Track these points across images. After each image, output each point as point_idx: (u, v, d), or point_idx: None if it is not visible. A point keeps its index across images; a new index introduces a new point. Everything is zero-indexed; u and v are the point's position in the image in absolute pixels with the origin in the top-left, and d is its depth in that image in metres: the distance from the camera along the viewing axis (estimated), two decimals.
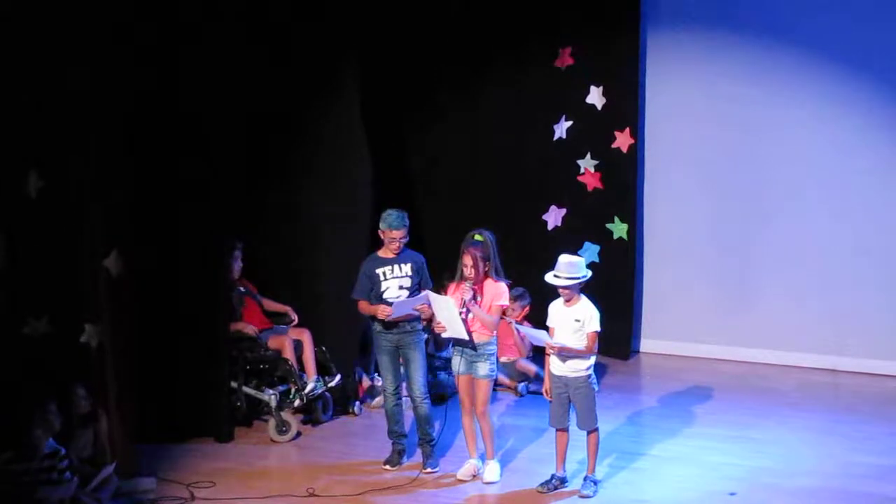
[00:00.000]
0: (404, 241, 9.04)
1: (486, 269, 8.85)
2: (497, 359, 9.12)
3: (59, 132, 8.51)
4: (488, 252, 8.85)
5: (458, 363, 8.99)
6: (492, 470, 9.07)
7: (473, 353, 8.89)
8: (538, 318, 9.65)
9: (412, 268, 9.10)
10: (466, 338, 8.82)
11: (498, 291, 8.88)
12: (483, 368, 8.95)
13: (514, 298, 10.45)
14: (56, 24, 8.42)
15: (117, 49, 8.80)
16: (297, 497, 8.82)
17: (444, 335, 9.00)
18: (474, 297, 8.83)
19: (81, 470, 8.49)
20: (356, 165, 10.11)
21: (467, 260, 8.83)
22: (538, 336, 8.92)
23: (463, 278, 8.87)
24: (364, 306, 9.16)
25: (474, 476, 9.08)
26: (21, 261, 8.46)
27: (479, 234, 8.90)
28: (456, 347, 9.04)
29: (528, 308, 10.91)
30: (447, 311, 8.81)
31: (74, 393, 8.71)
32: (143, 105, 9.16)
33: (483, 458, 9.10)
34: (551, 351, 8.73)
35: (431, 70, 12.02)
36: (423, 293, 8.96)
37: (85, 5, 8.56)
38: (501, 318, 9.04)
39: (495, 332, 8.96)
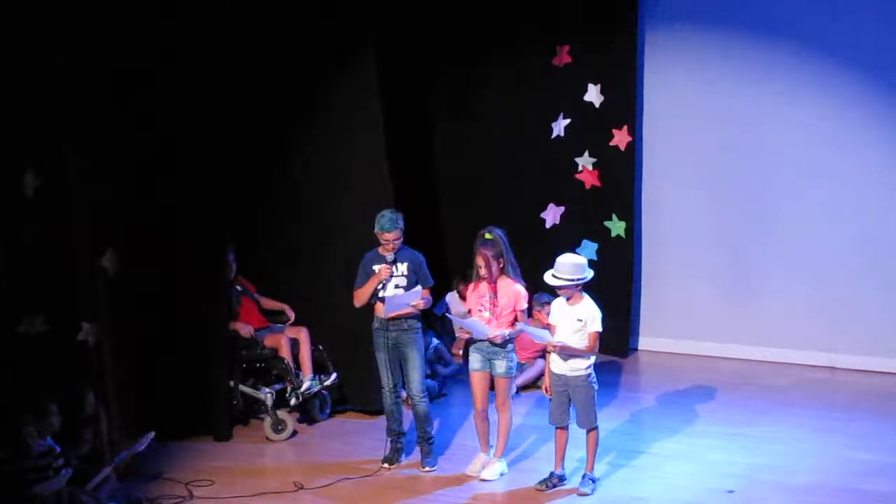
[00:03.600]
0: (397, 242, 9.02)
1: (502, 265, 8.87)
2: (516, 356, 9.10)
3: (56, 131, 8.50)
4: (500, 249, 8.85)
5: (473, 360, 9.00)
6: (492, 469, 9.07)
7: (492, 349, 8.90)
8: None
9: (409, 267, 9.09)
10: (489, 331, 8.83)
11: (518, 296, 8.89)
12: (501, 366, 8.95)
13: (543, 304, 10.30)
14: (55, 23, 8.40)
15: (117, 46, 8.79)
16: (297, 495, 8.82)
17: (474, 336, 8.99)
18: (494, 298, 8.85)
19: (80, 469, 8.48)
20: (358, 165, 10.09)
21: (480, 261, 8.85)
22: (540, 335, 8.90)
23: (480, 279, 8.89)
24: (359, 291, 9.08)
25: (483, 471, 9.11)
26: (17, 258, 8.44)
27: (490, 232, 8.89)
28: (472, 345, 9.04)
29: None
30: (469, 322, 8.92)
31: (83, 397, 8.66)
32: (143, 104, 9.15)
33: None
34: (552, 349, 8.73)
35: (430, 69, 12.01)
36: (416, 288, 8.97)
37: (85, 5, 8.55)
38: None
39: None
